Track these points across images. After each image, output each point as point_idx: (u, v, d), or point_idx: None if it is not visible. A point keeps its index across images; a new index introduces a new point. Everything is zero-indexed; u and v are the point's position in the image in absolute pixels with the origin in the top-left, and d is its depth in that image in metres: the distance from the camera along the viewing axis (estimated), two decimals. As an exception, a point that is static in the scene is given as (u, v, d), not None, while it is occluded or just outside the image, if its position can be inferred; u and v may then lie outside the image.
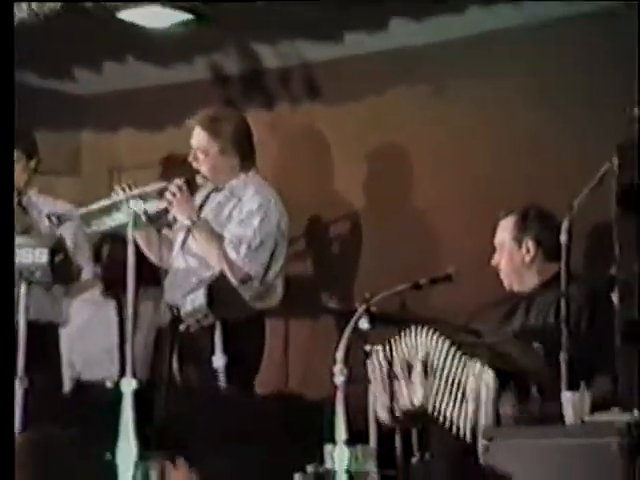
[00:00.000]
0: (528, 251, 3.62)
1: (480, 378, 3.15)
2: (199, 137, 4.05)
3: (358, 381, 3.56)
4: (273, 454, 3.77)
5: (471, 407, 3.13)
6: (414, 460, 3.41)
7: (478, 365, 3.17)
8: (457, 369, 3.25)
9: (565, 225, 2.88)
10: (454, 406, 3.20)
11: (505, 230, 3.71)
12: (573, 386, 2.72)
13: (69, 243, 4.09)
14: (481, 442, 2.68)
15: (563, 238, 2.86)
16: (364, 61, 4.46)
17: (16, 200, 4.09)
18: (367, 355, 3.55)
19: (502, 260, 3.71)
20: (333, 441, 3.43)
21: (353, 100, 4.51)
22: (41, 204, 4.19)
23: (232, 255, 3.93)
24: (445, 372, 3.28)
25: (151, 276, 4.20)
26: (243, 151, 4.05)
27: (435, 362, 3.33)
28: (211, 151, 4.03)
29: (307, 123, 4.66)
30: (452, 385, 3.24)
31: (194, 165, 4.06)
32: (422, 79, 4.40)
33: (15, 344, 3.63)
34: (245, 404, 3.86)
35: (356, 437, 3.48)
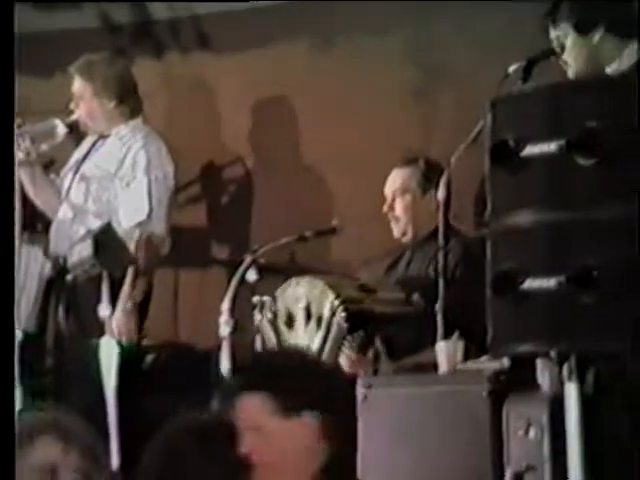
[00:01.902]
0: (432, 201, 3.66)
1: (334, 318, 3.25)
2: (76, 82, 4.04)
3: (246, 332, 3.60)
4: (162, 404, 3.79)
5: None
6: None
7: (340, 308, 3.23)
8: (330, 316, 3.32)
9: (443, 180, 2.94)
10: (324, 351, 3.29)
11: (405, 178, 3.75)
12: (447, 336, 2.80)
13: None
14: (359, 390, 2.74)
15: (440, 193, 2.92)
16: (253, 14, 4.45)
17: None
18: (254, 307, 3.59)
19: (398, 207, 3.75)
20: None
21: (242, 52, 4.50)
22: None
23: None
24: (322, 320, 3.35)
25: (40, 223, 4.17)
26: (122, 96, 4.03)
27: (314, 310, 3.39)
28: (85, 95, 4.01)
29: (196, 73, 4.64)
30: (327, 332, 3.32)
31: (75, 111, 4.04)
32: (310, 32, 4.42)
33: None
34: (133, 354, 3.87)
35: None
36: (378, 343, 3.32)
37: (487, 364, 2.60)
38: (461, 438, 2.63)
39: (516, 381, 2.55)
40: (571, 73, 3.18)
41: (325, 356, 3.34)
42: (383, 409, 2.78)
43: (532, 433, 2.49)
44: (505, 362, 2.54)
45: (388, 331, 3.29)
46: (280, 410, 2.16)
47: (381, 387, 2.81)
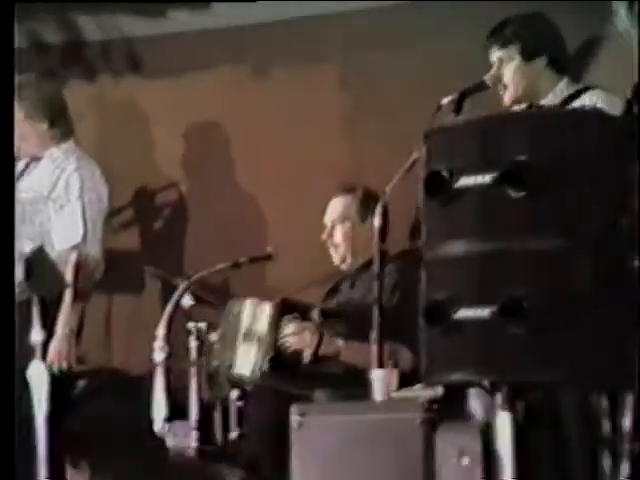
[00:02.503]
0: (370, 229, 3.70)
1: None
2: None
3: (181, 358, 3.59)
4: (95, 429, 3.76)
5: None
6: (232, 436, 3.47)
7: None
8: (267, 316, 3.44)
9: (378, 209, 2.97)
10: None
11: (345, 206, 3.77)
12: (382, 364, 2.82)
13: None
14: (293, 418, 2.74)
15: (376, 221, 2.95)
16: (187, 38, 4.45)
17: None
18: (189, 332, 3.58)
19: (338, 235, 3.77)
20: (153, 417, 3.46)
21: (175, 76, 4.49)
22: None
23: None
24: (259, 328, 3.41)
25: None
26: (53, 118, 3.99)
27: (256, 330, 3.43)
28: (17, 117, 3.96)
29: (129, 97, 4.61)
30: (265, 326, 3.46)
31: None
32: (245, 58, 4.43)
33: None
34: (65, 381, 3.83)
35: (179, 413, 3.51)
36: (315, 314, 3.41)
37: (421, 392, 2.61)
38: (394, 466, 2.64)
39: (449, 409, 2.57)
40: (507, 98, 3.24)
41: (267, 347, 3.38)
42: (317, 437, 2.78)
43: (465, 461, 2.51)
44: (439, 390, 2.57)
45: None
46: None
47: (315, 415, 2.81)
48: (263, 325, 3.52)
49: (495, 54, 3.23)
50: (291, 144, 4.29)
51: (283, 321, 3.49)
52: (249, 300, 3.62)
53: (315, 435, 2.76)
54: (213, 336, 3.60)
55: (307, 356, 3.44)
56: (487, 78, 3.17)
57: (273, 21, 4.31)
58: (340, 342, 3.49)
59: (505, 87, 3.22)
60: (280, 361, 3.46)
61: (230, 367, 3.55)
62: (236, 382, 3.51)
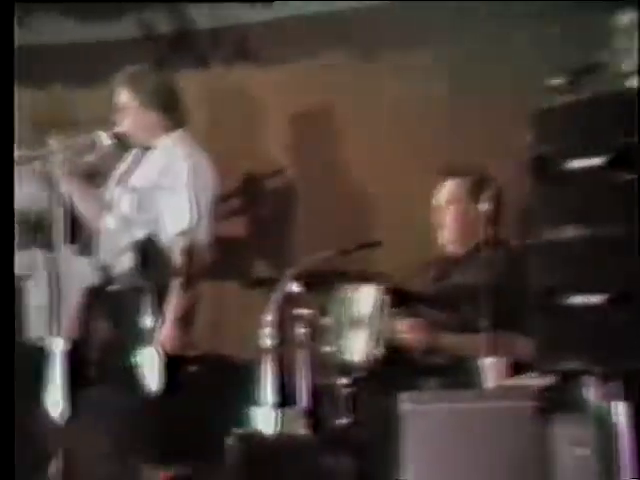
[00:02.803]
0: (480, 212, 3.66)
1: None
2: (120, 94, 4.05)
3: (289, 344, 3.60)
4: (203, 415, 3.80)
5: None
6: (342, 423, 3.46)
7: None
8: (378, 304, 3.44)
9: (489, 193, 2.92)
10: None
11: (457, 188, 3.73)
12: (493, 351, 2.77)
13: None
14: (403, 406, 2.72)
15: (487, 205, 2.90)
16: (297, 24, 4.45)
17: None
18: (298, 318, 3.59)
19: (448, 216, 3.74)
20: (262, 404, 3.48)
21: (284, 62, 4.50)
22: None
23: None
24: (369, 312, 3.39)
25: (82, 232, 4.19)
26: (166, 107, 4.04)
27: (365, 316, 3.41)
28: (131, 107, 4.02)
29: (238, 84, 4.64)
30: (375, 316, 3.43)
31: (120, 123, 4.05)
32: (354, 43, 4.41)
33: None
34: (176, 366, 3.88)
35: (287, 400, 3.52)
36: (427, 309, 3.39)
37: (532, 380, 2.56)
38: (505, 455, 2.60)
39: (562, 398, 2.51)
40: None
41: (379, 336, 3.38)
42: (427, 425, 2.75)
43: (579, 451, 2.45)
44: (551, 379, 2.51)
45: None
46: None
47: (425, 403, 2.79)
48: (371, 311, 3.50)
49: (624, 18, 3.10)
50: (399, 128, 4.26)
51: (396, 313, 3.45)
52: (357, 286, 3.61)
53: (425, 423, 2.73)
54: (322, 322, 3.60)
55: (419, 352, 3.41)
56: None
57: (382, 4, 4.28)
58: (452, 337, 3.43)
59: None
60: (391, 350, 3.44)
61: (340, 353, 3.55)
62: (346, 368, 3.50)
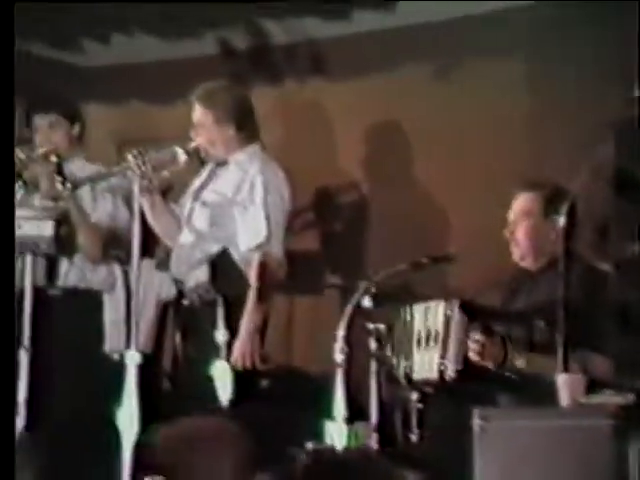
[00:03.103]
0: (554, 227, 3.62)
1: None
2: (196, 111, 4.08)
3: (361, 358, 3.59)
4: (274, 429, 3.80)
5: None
6: (413, 437, 3.43)
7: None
8: (446, 319, 3.41)
9: (565, 207, 2.88)
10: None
11: (532, 202, 3.69)
12: (568, 368, 2.73)
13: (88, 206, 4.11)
14: (475, 423, 2.69)
15: (563, 219, 2.86)
16: (371, 38, 4.46)
17: (53, 168, 4.04)
18: (369, 333, 3.57)
19: (520, 231, 3.70)
20: (333, 418, 3.46)
21: (359, 77, 4.51)
22: (77, 172, 4.16)
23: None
24: (439, 329, 3.38)
25: (156, 247, 4.24)
26: (240, 122, 4.06)
27: (431, 328, 3.39)
28: (206, 122, 4.05)
29: (312, 99, 4.66)
30: (446, 333, 3.41)
31: (195, 139, 4.08)
32: (428, 58, 4.40)
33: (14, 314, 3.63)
34: (248, 379, 3.89)
35: (358, 414, 3.51)
36: (499, 327, 3.35)
37: (611, 398, 2.51)
38: (583, 476, 2.55)
39: (642, 417, 2.46)
40: None
41: (452, 353, 3.37)
42: (500, 442, 2.71)
43: (659, 472, 2.39)
44: (630, 397, 2.45)
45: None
46: None
47: (499, 419, 2.75)
48: (440, 326, 3.47)
49: None
50: (472, 143, 4.23)
51: (468, 329, 3.41)
52: (428, 301, 3.58)
53: (498, 440, 2.69)
54: (393, 337, 3.58)
55: (492, 368, 3.37)
56: None
57: (455, 18, 4.27)
58: (526, 355, 3.37)
59: None
60: (463, 366, 3.40)
61: (410, 368, 3.52)
62: (416, 384, 3.47)
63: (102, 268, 4.22)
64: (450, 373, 3.36)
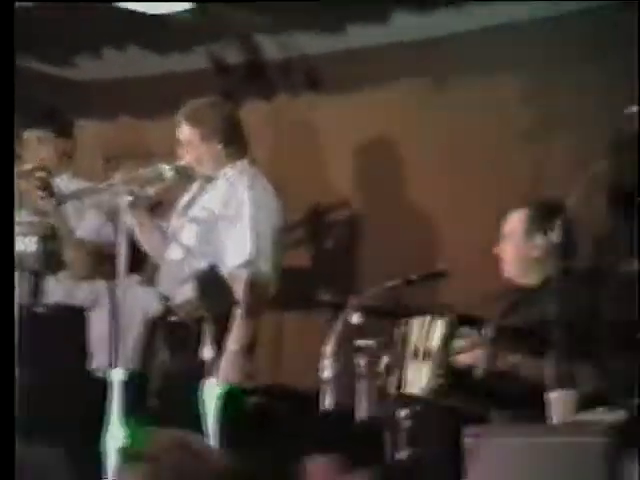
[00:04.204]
0: (536, 247, 3.61)
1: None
2: (183, 129, 4.06)
3: (349, 374, 3.56)
4: (267, 445, 3.77)
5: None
6: (402, 455, 3.40)
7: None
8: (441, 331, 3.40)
9: (558, 224, 2.86)
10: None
11: (517, 221, 3.68)
12: (560, 384, 2.70)
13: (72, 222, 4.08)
14: (467, 440, 2.66)
15: (555, 237, 2.85)
16: (364, 54, 4.45)
17: (40, 184, 4.00)
18: (359, 349, 3.55)
19: (508, 250, 3.69)
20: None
21: (352, 92, 4.50)
22: (64, 188, 4.13)
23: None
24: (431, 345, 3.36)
25: (141, 263, 4.21)
26: (228, 138, 4.04)
27: (428, 348, 3.36)
28: (194, 140, 4.02)
29: (306, 114, 4.65)
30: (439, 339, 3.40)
31: (183, 157, 4.06)
32: (422, 73, 4.40)
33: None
34: (235, 396, 3.85)
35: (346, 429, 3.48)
36: (488, 330, 3.34)
37: (604, 415, 2.48)
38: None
39: (636, 435, 2.42)
40: None
41: (437, 362, 3.35)
42: (492, 460, 2.68)
43: (652, 490, 2.36)
44: (622, 414, 2.43)
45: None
46: None
47: (490, 436, 2.72)
48: (436, 343, 3.44)
49: None
50: (465, 159, 4.23)
51: (455, 335, 3.41)
52: (421, 317, 3.56)
53: (490, 458, 2.66)
54: (383, 353, 3.55)
55: (479, 372, 3.34)
56: None
57: (450, 34, 4.27)
58: (515, 358, 3.36)
59: None
60: (452, 378, 3.37)
61: (400, 385, 3.49)
62: (406, 400, 3.44)
63: (88, 284, 4.18)
64: (439, 386, 3.34)
